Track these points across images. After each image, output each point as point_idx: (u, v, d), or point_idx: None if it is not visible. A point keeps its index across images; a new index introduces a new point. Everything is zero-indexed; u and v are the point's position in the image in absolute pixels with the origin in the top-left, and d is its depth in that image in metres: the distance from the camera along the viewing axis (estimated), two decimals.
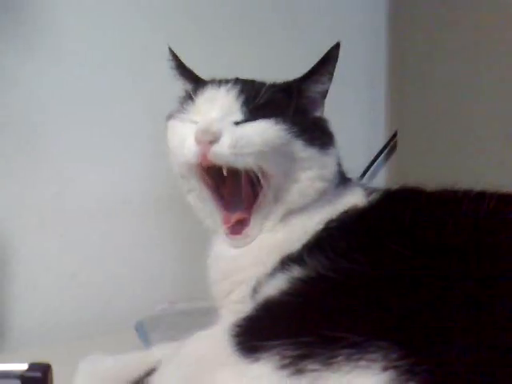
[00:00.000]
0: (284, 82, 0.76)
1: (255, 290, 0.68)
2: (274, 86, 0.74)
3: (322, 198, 0.74)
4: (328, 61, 0.74)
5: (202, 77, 0.79)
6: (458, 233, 0.57)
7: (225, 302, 0.74)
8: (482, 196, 0.62)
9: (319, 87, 0.75)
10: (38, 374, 0.52)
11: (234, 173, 0.71)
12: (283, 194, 0.73)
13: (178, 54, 0.80)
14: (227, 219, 0.74)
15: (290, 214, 0.74)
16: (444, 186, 0.67)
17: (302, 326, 0.49)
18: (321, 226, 0.71)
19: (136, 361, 0.71)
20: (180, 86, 0.80)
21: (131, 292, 1.09)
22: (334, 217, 0.72)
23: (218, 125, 0.68)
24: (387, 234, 0.60)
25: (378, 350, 0.42)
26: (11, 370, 0.52)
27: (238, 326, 0.54)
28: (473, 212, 0.59)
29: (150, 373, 0.64)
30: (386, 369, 0.42)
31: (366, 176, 1.26)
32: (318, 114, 0.77)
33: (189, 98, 0.75)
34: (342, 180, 0.77)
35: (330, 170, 0.74)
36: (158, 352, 0.72)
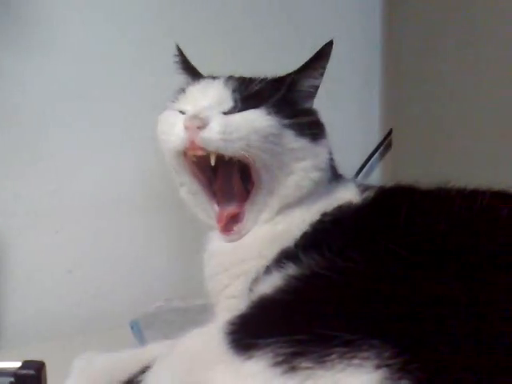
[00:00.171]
0: (277, 76, 0.77)
1: (253, 284, 0.69)
2: (265, 79, 0.75)
3: (317, 189, 0.74)
4: (320, 57, 0.75)
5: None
6: (451, 231, 0.57)
7: (220, 297, 0.75)
8: (475, 193, 0.63)
9: (311, 81, 0.76)
10: (32, 372, 0.52)
11: (225, 166, 0.71)
12: (278, 186, 0.73)
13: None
14: (221, 217, 0.74)
15: (288, 206, 0.74)
16: (438, 183, 0.68)
17: (295, 324, 0.49)
18: (318, 217, 0.71)
19: (130, 358, 0.71)
20: (181, 82, 0.80)
21: (126, 289, 1.09)
22: (328, 210, 0.72)
23: (207, 112, 0.69)
24: (382, 232, 0.61)
25: (370, 348, 0.43)
26: (5, 368, 0.52)
27: (232, 323, 0.54)
28: (466, 209, 0.60)
29: (144, 370, 0.64)
30: (378, 367, 0.42)
31: (361, 174, 1.27)
32: (308, 106, 0.78)
33: (182, 90, 0.75)
34: (335, 175, 0.78)
35: (322, 159, 0.75)
36: (152, 350, 0.72)
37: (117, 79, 1.06)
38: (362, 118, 1.31)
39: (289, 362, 0.45)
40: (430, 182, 0.68)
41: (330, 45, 0.75)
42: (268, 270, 0.67)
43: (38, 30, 1.01)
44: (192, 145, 0.68)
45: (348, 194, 0.75)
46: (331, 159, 0.78)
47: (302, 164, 0.73)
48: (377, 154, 1.30)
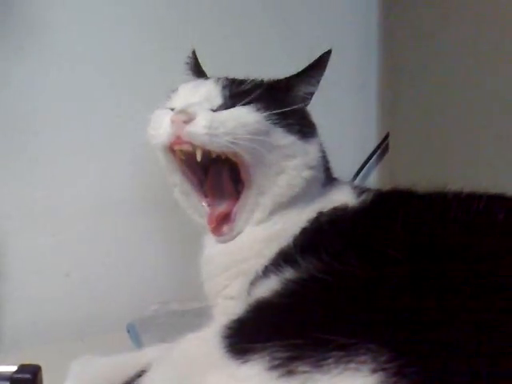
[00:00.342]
0: (272, 80, 0.77)
1: (251, 287, 0.69)
2: (257, 79, 0.76)
3: (311, 189, 0.74)
4: (318, 65, 0.76)
5: None
6: (448, 234, 0.57)
7: (218, 299, 0.75)
8: (471, 197, 0.63)
9: (307, 88, 0.77)
10: (28, 376, 0.52)
11: (215, 165, 0.72)
12: (270, 186, 0.73)
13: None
14: (211, 218, 0.74)
15: (283, 206, 0.74)
16: (435, 187, 0.68)
17: (292, 328, 0.49)
18: (314, 215, 0.72)
19: (127, 362, 0.71)
20: (177, 84, 0.80)
21: (123, 292, 1.09)
22: (324, 210, 0.72)
23: (195, 107, 0.69)
24: (379, 236, 0.60)
25: (367, 352, 0.42)
26: (0, 372, 0.52)
27: (229, 327, 0.54)
28: (463, 213, 0.60)
29: (140, 374, 0.64)
30: (375, 371, 0.42)
31: (358, 178, 1.27)
32: (300, 108, 0.78)
33: (176, 89, 0.76)
34: (329, 178, 0.78)
35: (313, 156, 0.75)
36: (149, 353, 0.72)
37: (113, 82, 1.06)
38: (359, 121, 1.31)
39: (285, 365, 0.45)
40: (426, 186, 0.68)
41: (328, 53, 0.76)
42: (266, 271, 0.67)
43: (33, 32, 1.00)
44: (178, 139, 0.68)
45: (343, 197, 0.75)
46: (325, 161, 0.78)
47: (292, 162, 0.73)
48: (374, 158, 1.30)
